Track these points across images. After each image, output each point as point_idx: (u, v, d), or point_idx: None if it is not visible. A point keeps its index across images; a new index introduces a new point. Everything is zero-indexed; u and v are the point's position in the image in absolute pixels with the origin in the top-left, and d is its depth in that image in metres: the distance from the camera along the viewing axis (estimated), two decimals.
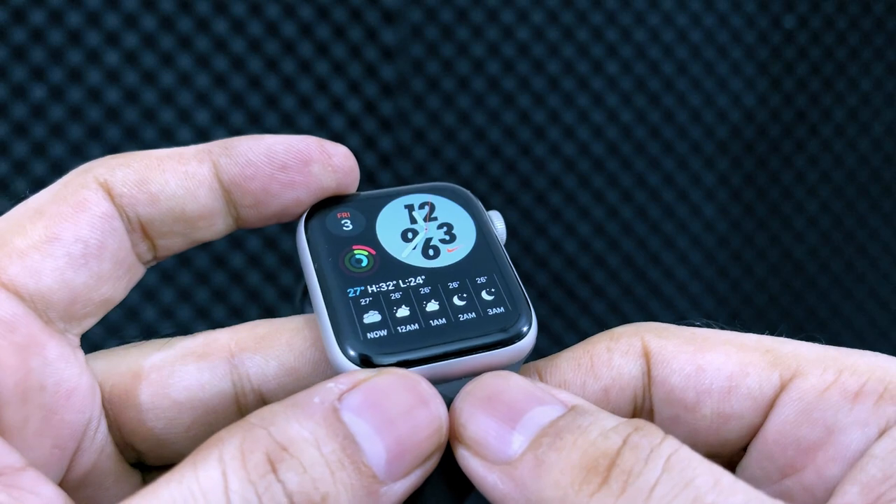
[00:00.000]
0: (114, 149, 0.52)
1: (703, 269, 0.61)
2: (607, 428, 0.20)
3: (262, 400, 0.25)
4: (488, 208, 0.27)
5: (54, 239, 0.22)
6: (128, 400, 0.24)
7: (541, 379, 0.24)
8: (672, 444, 0.19)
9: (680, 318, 0.61)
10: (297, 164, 0.24)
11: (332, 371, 0.24)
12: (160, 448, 0.25)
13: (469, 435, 0.21)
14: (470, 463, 0.21)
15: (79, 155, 0.51)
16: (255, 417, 0.20)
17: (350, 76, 0.55)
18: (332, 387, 0.20)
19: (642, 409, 0.24)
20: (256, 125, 0.54)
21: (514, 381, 0.21)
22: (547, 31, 0.57)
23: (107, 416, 0.24)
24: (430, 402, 0.20)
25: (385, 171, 0.55)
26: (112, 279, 0.23)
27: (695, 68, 0.60)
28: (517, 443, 0.20)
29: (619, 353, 0.24)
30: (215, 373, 0.24)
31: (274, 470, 0.18)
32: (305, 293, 0.27)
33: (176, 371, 0.24)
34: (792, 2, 0.61)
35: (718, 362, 0.23)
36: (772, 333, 0.25)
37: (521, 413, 0.21)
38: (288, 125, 0.54)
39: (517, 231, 0.57)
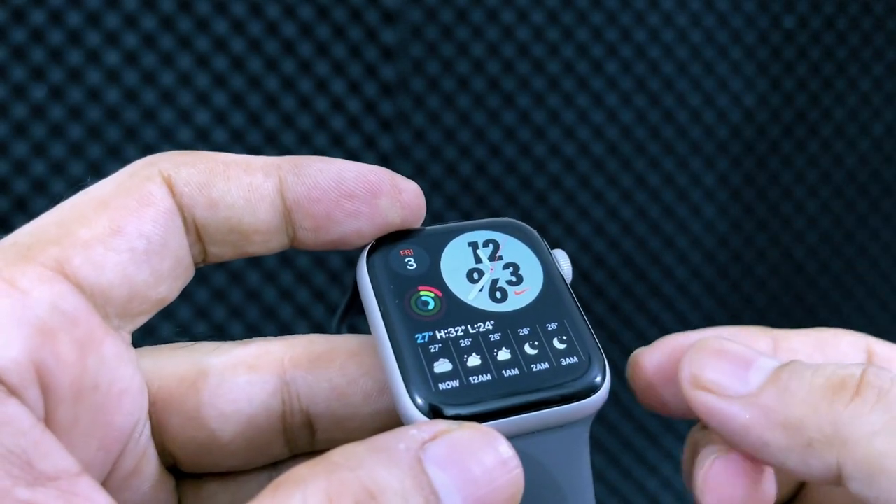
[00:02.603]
0: (114, 149, 0.52)
1: (703, 269, 0.61)
2: (842, 364, 0.22)
3: (309, 422, 0.24)
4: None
5: (118, 232, 0.21)
6: (172, 406, 0.23)
7: (774, 343, 0.27)
8: None
9: (680, 319, 0.61)
10: (365, 194, 0.23)
11: (383, 406, 0.24)
12: (197, 457, 0.24)
13: (707, 377, 0.23)
14: (707, 400, 0.23)
15: (79, 155, 0.51)
16: (338, 456, 0.19)
17: (350, 76, 0.55)
18: (416, 434, 0.19)
19: None
20: (256, 125, 0.54)
21: (732, 343, 0.24)
22: (547, 31, 0.57)
23: (150, 419, 0.23)
24: (509, 463, 0.20)
25: None
26: (170, 279, 0.22)
27: (695, 68, 0.60)
28: (755, 379, 0.23)
29: (846, 342, 0.27)
30: (266, 388, 0.24)
31: None
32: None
33: (226, 381, 0.23)
34: (792, 2, 0.61)
35: None
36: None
37: (750, 361, 0.23)
38: (288, 125, 0.54)
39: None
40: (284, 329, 0.55)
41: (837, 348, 0.26)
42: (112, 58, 0.51)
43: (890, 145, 0.64)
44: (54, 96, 0.51)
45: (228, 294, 0.54)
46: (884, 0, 0.62)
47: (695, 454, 0.26)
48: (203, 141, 0.53)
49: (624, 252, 0.60)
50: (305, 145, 0.54)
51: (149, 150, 0.52)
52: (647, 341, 0.63)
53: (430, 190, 0.56)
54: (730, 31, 0.60)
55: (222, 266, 0.54)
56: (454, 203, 0.56)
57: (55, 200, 0.56)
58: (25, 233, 0.21)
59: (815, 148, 0.63)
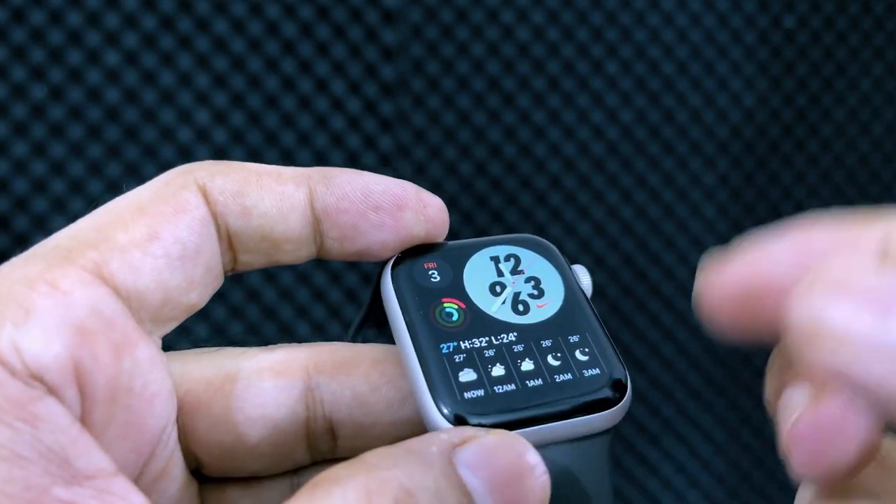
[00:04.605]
0: (114, 149, 0.52)
1: None
2: None
3: (331, 428, 0.25)
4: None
5: (155, 238, 0.21)
6: (199, 410, 0.23)
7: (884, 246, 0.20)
8: None
9: (680, 319, 0.61)
10: (390, 207, 0.24)
11: (404, 415, 0.24)
12: (222, 461, 0.24)
13: (831, 329, 0.17)
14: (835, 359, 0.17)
15: (79, 155, 0.51)
16: (373, 458, 0.19)
17: (350, 76, 0.55)
18: (446, 438, 0.20)
19: None
20: (256, 125, 0.54)
21: (860, 260, 0.18)
22: (547, 31, 0.57)
23: (176, 422, 0.23)
24: (536, 469, 0.20)
25: (385, 171, 0.55)
26: (201, 285, 0.22)
27: (695, 68, 0.60)
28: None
29: None
30: (291, 393, 0.24)
31: None
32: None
33: (252, 386, 0.24)
34: (792, 2, 0.61)
35: None
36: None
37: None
38: (288, 125, 0.54)
39: (518, 231, 0.57)
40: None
41: None
42: (112, 58, 0.51)
43: (890, 145, 0.64)
44: (54, 96, 0.51)
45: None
46: (884, 0, 0.62)
47: (778, 388, 0.21)
48: (203, 141, 0.53)
49: (624, 252, 0.60)
50: (305, 145, 0.54)
51: (149, 149, 0.52)
52: (647, 341, 0.64)
53: (431, 191, 0.56)
54: (730, 31, 0.60)
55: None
56: (454, 203, 0.56)
57: (55, 200, 0.55)
58: (65, 236, 0.21)
59: (815, 148, 0.63)
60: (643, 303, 0.60)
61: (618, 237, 0.59)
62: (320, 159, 0.54)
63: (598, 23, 0.58)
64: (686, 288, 0.61)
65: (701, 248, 0.61)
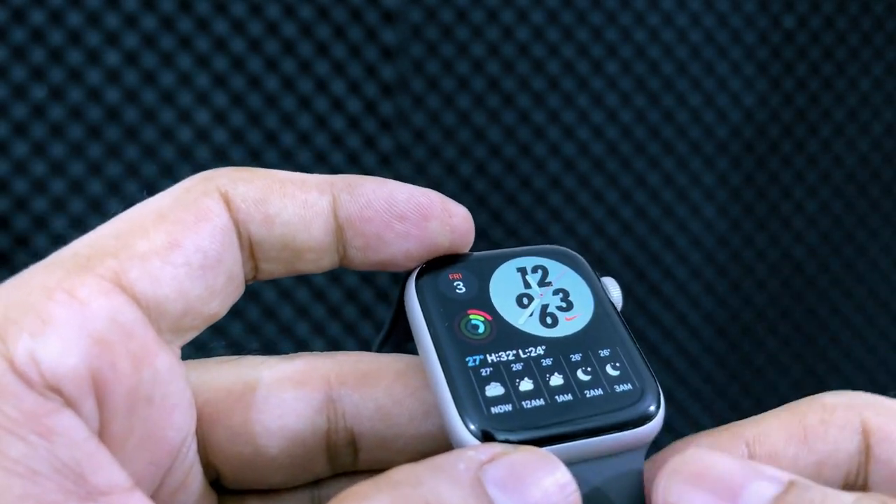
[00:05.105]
0: (114, 149, 0.52)
1: (703, 269, 0.61)
2: (848, 503, 0.19)
3: (353, 440, 0.24)
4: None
5: (176, 246, 0.20)
6: (219, 419, 0.23)
7: (749, 449, 0.23)
8: None
9: (680, 319, 0.61)
10: (415, 216, 0.23)
11: (427, 429, 0.24)
12: (241, 472, 0.24)
13: None
14: None
15: (79, 155, 0.51)
16: (398, 475, 0.19)
17: (350, 76, 0.55)
18: (474, 455, 0.19)
19: (854, 486, 0.23)
20: (256, 125, 0.54)
21: (719, 456, 0.21)
22: (547, 31, 0.57)
23: (195, 432, 0.23)
24: (567, 488, 0.19)
25: (385, 171, 0.55)
26: (222, 294, 0.22)
27: (695, 68, 0.60)
28: None
29: (836, 426, 0.23)
30: (311, 404, 0.23)
31: None
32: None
33: (272, 396, 0.23)
34: (792, 2, 0.61)
35: None
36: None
37: (738, 489, 0.20)
38: (288, 125, 0.54)
39: (517, 232, 0.57)
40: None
41: (826, 439, 0.23)
42: (112, 58, 0.51)
43: (890, 145, 0.64)
44: (54, 96, 0.51)
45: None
46: (884, 0, 0.62)
47: None
48: (203, 141, 0.53)
49: (624, 252, 0.60)
50: (305, 145, 0.54)
51: (149, 149, 0.52)
52: (647, 341, 0.63)
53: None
54: (730, 31, 0.60)
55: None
56: None
57: (55, 200, 0.56)
58: (84, 244, 0.20)
59: (814, 148, 0.63)
60: (643, 303, 0.60)
61: (618, 237, 0.59)
62: (320, 159, 0.54)
63: (598, 23, 0.58)
64: (686, 288, 0.61)
65: (701, 248, 0.61)
